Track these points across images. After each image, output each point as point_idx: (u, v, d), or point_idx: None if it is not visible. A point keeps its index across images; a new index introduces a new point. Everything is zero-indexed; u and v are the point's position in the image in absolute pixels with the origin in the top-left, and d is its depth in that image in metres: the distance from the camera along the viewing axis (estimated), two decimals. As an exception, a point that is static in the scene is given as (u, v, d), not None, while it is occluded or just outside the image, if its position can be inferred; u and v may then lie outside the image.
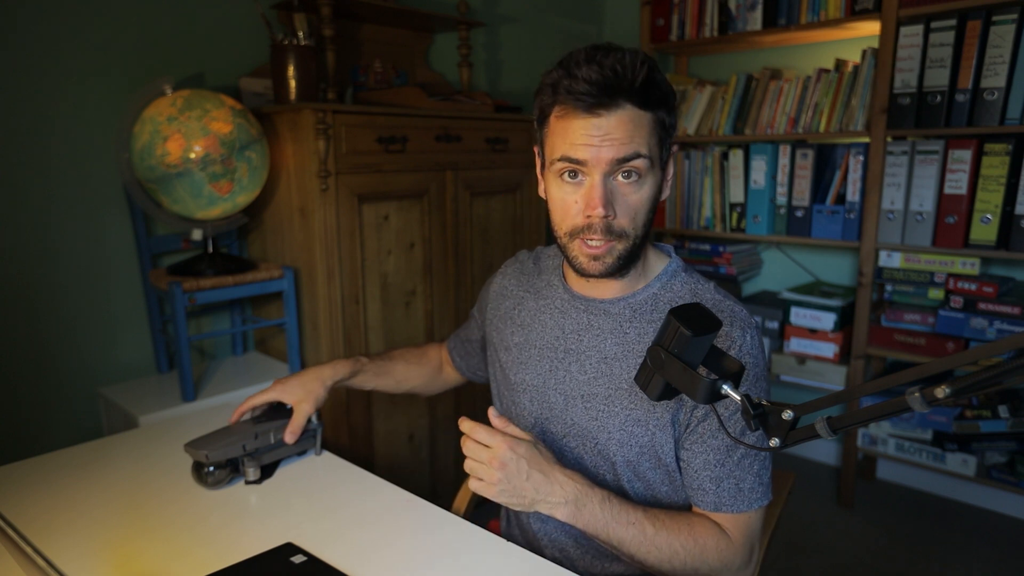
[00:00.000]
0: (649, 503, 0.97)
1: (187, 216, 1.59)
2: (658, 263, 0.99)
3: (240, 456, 1.05)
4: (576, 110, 0.85)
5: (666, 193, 0.94)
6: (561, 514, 0.87)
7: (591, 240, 0.89)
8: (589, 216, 0.87)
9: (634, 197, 0.88)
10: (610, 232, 0.88)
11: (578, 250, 0.91)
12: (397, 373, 1.27)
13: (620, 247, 0.90)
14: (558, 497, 0.86)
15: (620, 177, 0.87)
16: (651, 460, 0.94)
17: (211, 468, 1.03)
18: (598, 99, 0.83)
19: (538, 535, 1.05)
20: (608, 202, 0.86)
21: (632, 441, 0.93)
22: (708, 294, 0.96)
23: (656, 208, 0.92)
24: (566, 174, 0.89)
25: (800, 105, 2.33)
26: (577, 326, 0.99)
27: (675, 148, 0.94)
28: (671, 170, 0.95)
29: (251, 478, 1.05)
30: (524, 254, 1.17)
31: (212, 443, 1.04)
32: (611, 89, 0.83)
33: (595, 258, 0.90)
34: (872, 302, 2.26)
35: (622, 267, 0.92)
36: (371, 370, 1.23)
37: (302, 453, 1.16)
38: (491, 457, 0.85)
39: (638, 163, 0.86)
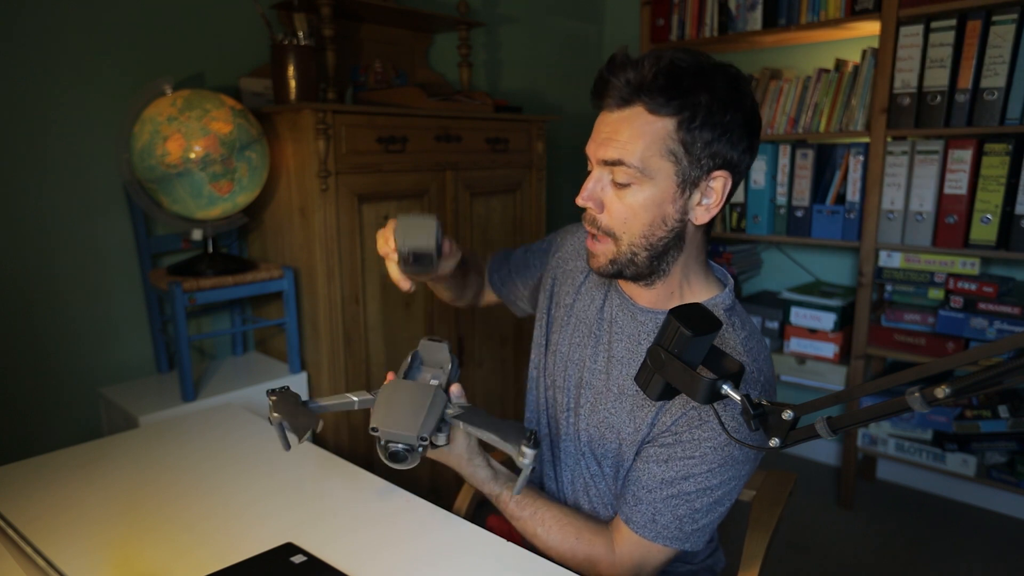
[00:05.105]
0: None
1: (187, 216, 1.59)
2: (705, 292, 0.93)
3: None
4: (599, 105, 0.87)
5: (696, 218, 0.86)
6: None
7: (588, 229, 0.91)
8: (580, 201, 0.89)
9: (624, 202, 0.85)
10: (596, 225, 0.89)
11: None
12: (472, 279, 1.21)
13: (612, 250, 0.88)
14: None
15: (614, 178, 0.86)
16: (613, 467, 0.96)
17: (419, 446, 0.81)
18: (610, 95, 0.84)
19: None
20: (593, 196, 0.87)
21: (600, 440, 0.96)
22: (732, 341, 0.90)
23: (661, 223, 0.86)
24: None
25: (800, 105, 2.33)
26: (608, 316, 0.99)
27: (717, 174, 0.84)
28: (708, 197, 0.85)
29: (440, 443, 0.88)
30: None
31: (405, 416, 0.81)
32: (624, 86, 0.82)
33: (591, 254, 0.92)
34: (872, 302, 2.26)
35: (618, 273, 0.90)
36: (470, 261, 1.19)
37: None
38: None
39: (619, 170, 0.84)
